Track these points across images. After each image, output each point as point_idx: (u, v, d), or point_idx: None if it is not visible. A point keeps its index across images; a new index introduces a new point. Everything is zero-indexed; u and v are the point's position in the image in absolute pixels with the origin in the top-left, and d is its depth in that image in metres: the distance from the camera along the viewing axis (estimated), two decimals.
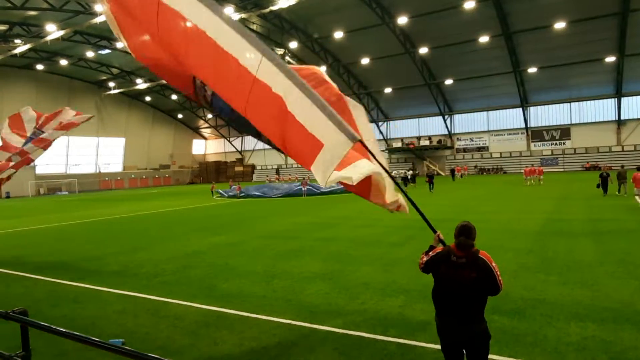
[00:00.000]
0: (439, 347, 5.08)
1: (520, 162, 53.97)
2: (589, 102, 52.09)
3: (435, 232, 3.95)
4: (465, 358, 3.59)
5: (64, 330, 2.80)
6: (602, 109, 51.74)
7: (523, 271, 8.14)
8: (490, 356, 3.73)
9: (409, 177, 38.72)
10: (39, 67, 56.11)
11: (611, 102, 50.79)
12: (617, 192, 20.83)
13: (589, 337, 5.18)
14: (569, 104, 53.18)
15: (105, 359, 4.99)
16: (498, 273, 3.50)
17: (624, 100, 49.71)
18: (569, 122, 53.63)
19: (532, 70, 48.25)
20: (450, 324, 3.60)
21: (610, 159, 49.84)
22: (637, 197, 17.07)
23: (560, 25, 39.97)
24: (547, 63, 47.02)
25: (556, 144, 54.37)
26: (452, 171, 49.07)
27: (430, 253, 3.80)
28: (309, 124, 3.53)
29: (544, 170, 35.50)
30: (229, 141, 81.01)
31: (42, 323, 2.94)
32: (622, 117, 50.31)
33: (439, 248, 3.81)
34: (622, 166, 24.52)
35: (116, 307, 7.20)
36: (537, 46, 44.85)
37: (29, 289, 8.74)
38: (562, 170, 52.39)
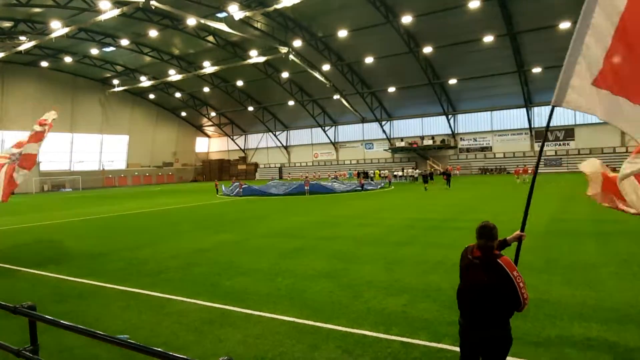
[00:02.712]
0: (442, 345, 5.11)
1: (523, 162, 53.76)
2: None
3: (521, 231, 3.97)
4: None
5: (72, 324, 2.83)
6: None
7: (527, 271, 8.08)
8: None
9: (429, 175, 39.91)
10: (44, 64, 56.29)
11: None
12: None
13: (592, 338, 5.18)
14: None
15: (110, 354, 5.03)
16: (521, 285, 3.25)
17: None
18: (573, 123, 53.33)
19: (537, 70, 47.96)
20: (463, 326, 3.54)
21: (614, 160, 49.56)
22: None
23: (565, 25, 39.68)
24: (551, 63, 46.66)
25: (560, 144, 54.10)
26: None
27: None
28: None
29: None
30: (232, 139, 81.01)
31: (50, 317, 2.97)
32: None
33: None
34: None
35: (120, 303, 7.25)
36: (542, 46, 44.53)
37: (33, 285, 8.80)
38: (566, 171, 52.18)
